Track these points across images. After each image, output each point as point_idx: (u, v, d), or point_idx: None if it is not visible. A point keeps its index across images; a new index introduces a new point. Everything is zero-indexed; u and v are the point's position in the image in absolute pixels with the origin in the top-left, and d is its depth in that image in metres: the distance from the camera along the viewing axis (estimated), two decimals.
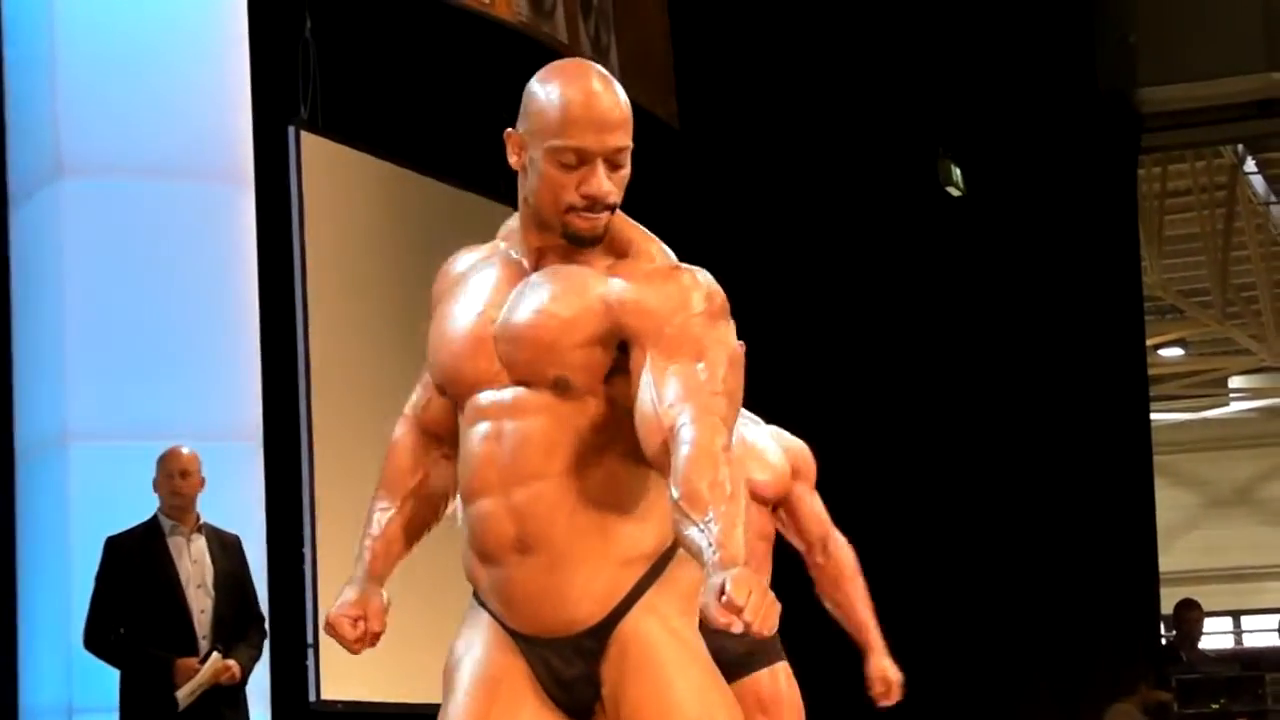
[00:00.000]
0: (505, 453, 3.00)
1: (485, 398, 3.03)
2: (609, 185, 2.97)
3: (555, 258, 3.05)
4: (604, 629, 3.00)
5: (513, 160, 3.05)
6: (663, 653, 2.98)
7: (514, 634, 3.05)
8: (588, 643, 3.01)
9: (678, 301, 2.97)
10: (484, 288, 3.09)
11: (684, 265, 3.06)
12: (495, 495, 3.00)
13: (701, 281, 3.03)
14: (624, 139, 2.98)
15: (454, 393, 3.09)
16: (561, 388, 2.98)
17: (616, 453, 2.99)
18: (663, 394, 2.87)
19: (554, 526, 2.97)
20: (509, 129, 3.06)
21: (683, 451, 2.79)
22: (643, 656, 2.98)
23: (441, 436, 3.20)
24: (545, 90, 3.00)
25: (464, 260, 3.19)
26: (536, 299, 3.02)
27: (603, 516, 2.99)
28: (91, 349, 7.55)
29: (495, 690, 3.03)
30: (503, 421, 3.01)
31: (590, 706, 3.03)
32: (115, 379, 7.52)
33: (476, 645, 3.07)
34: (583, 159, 2.96)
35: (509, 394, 3.02)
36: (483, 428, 3.03)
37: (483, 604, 3.09)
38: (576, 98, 2.97)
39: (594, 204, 2.97)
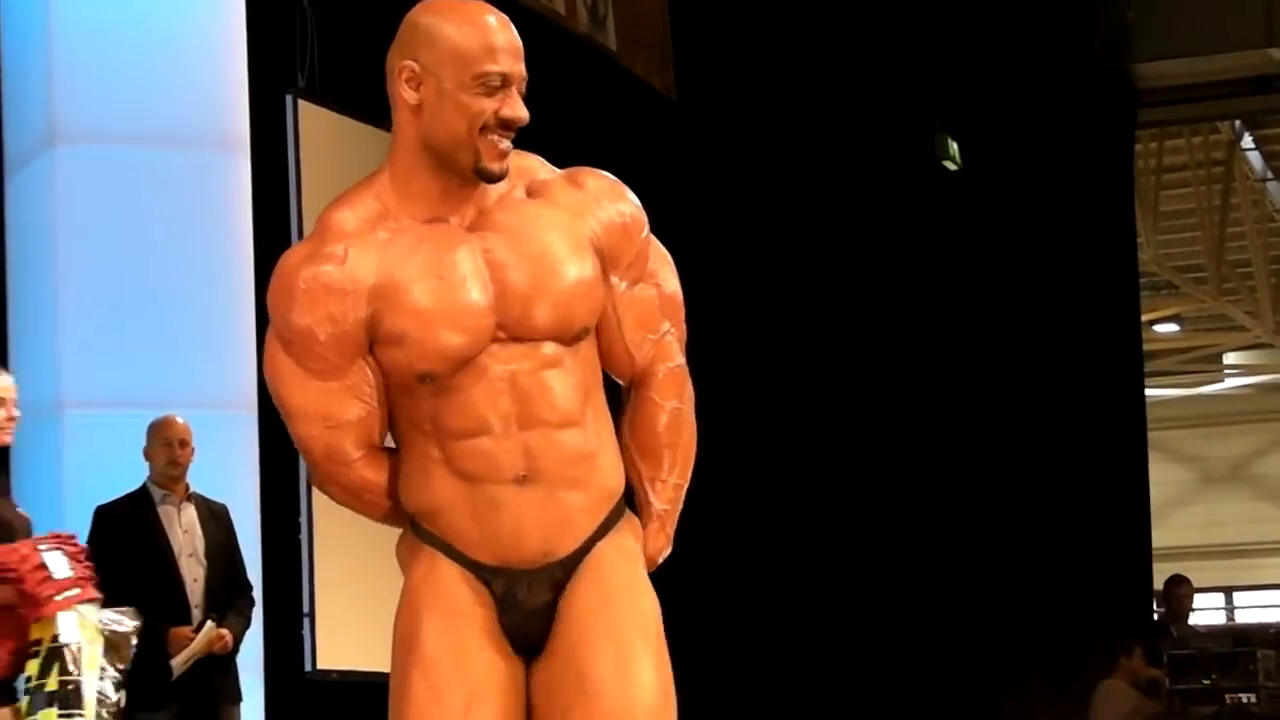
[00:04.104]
0: (524, 399, 3.02)
1: (490, 355, 3.01)
2: (525, 110, 3.03)
3: (467, 204, 3.05)
4: (575, 559, 3.06)
5: (408, 95, 3.03)
6: (613, 565, 3.09)
7: (477, 568, 3.04)
8: (558, 573, 3.06)
9: (630, 219, 3.12)
10: (425, 262, 3.01)
11: (581, 170, 3.16)
12: (506, 436, 3.01)
13: (625, 190, 3.16)
14: (524, 70, 3.06)
15: (447, 368, 3.00)
16: (583, 336, 3.07)
17: (600, 390, 3.14)
18: (627, 325, 3.13)
19: (561, 463, 3.03)
20: (402, 66, 3.03)
21: (657, 423, 3.17)
22: (596, 569, 3.08)
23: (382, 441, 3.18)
24: (453, 21, 3.01)
25: (337, 268, 3.02)
26: (535, 261, 3.02)
27: (593, 453, 3.08)
28: (85, 317, 7.53)
29: (464, 671, 3.02)
30: (517, 372, 3.02)
31: (543, 640, 3.07)
32: (109, 347, 7.50)
33: (437, 611, 3.04)
34: (505, 83, 3.00)
35: (524, 348, 3.02)
36: (492, 379, 3.01)
37: (433, 539, 3.06)
38: (494, 27, 3.02)
39: (511, 125, 3.01)
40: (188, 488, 6.99)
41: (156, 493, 6.96)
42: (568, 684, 3.00)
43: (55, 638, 5.47)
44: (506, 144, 3.01)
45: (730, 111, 11.70)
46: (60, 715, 5.42)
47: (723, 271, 11.64)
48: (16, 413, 6.03)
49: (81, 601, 5.55)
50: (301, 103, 8.54)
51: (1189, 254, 18.71)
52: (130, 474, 6.97)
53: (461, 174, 3.03)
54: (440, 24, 3.01)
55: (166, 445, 6.94)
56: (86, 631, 5.47)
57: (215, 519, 7.01)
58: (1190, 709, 10.57)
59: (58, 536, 5.87)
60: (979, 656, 12.67)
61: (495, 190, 3.05)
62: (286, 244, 8.42)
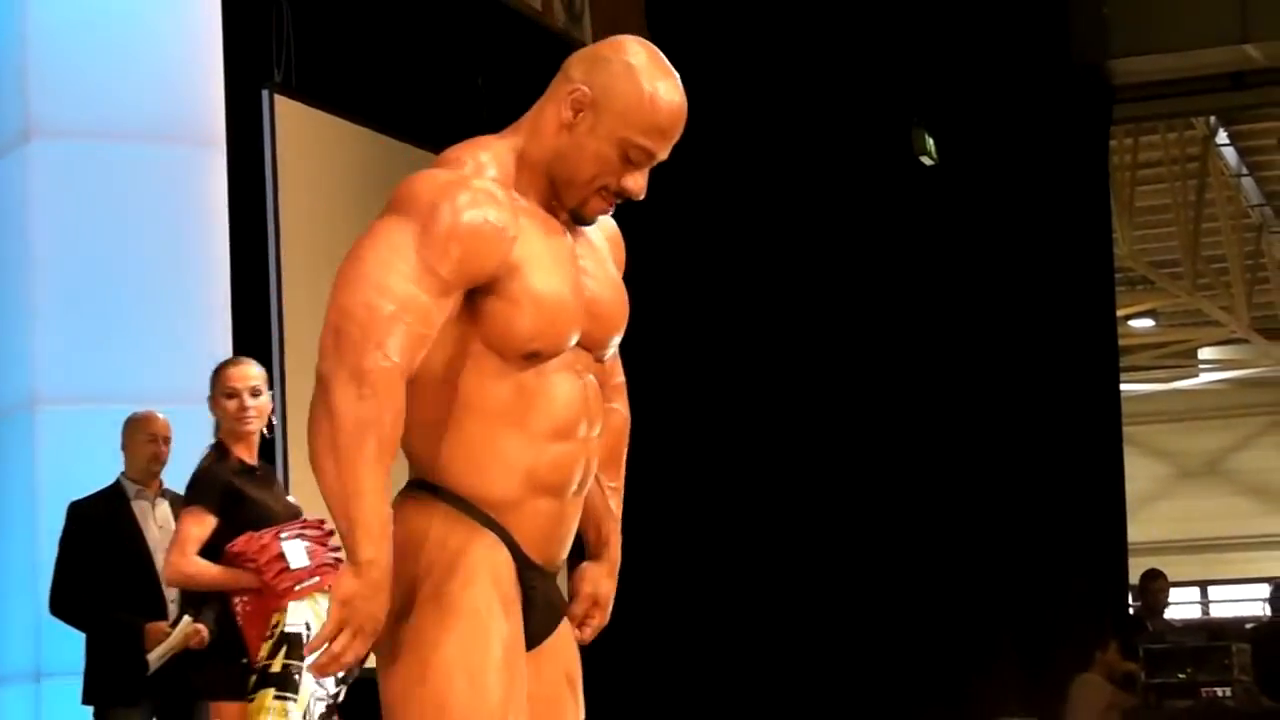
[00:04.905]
0: (590, 403, 3.11)
1: (570, 354, 3.10)
2: (644, 188, 3.10)
3: (557, 213, 3.13)
4: None
5: (565, 113, 3.05)
6: None
7: (527, 565, 3.08)
8: None
9: (620, 238, 3.29)
10: (548, 245, 3.06)
11: None
12: (577, 440, 3.08)
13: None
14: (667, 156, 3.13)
15: (548, 352, 3.04)
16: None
17: None
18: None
19: (593, 471, 3.15)
20: (576, 85, 3.04)
21: (614, 433, 3.31)
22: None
23: None
24: (647, 80, 3.04)
25: (473, 201, 3.00)
26: (607, 279, 3.16)
27: None
28: (60, 312, 7.52)
29: (516, 661, 3.05)
30: (585, 377, 3.11)
31: (545, 635, 3.17)
32: (84, 343, 7.49)
33: (503, 593, 3.04)
34: (646, 162, 3.07)
35: (585, 356, 3.13)
36: (570, 377, 3.08)
37: (497, 528, 3.06)
38: (673, 107, 3.06)
39: (624, 196, 3.09)
40: (161, 484, 6.99)
41: (130, 488, 6.94)
42: (559, 675, 3.17)
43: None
44: (610, 208, 3.11)
45: (705, 106, 11.67)
46: (276, 697, 5.48)
47: (698, 265, 11.65)
48: (251, 402, 6.03)
49: (320, 590, 5.59)
50: (278, 98, 8.52)
51: (1164, 249, 18.76)
52: (104, 470, 6.96)
53: (560, 203, 3.10)
54: (629, 75, 3.04)
55: (151, 441, 6.93)
56: (317, 622, 5.48)
57: None
58: (1166, 703, 10.61)
59: (305, 523, 5.90)
60: (955, 650, 12.68)
61: None
62: (263, 239, 8.43)
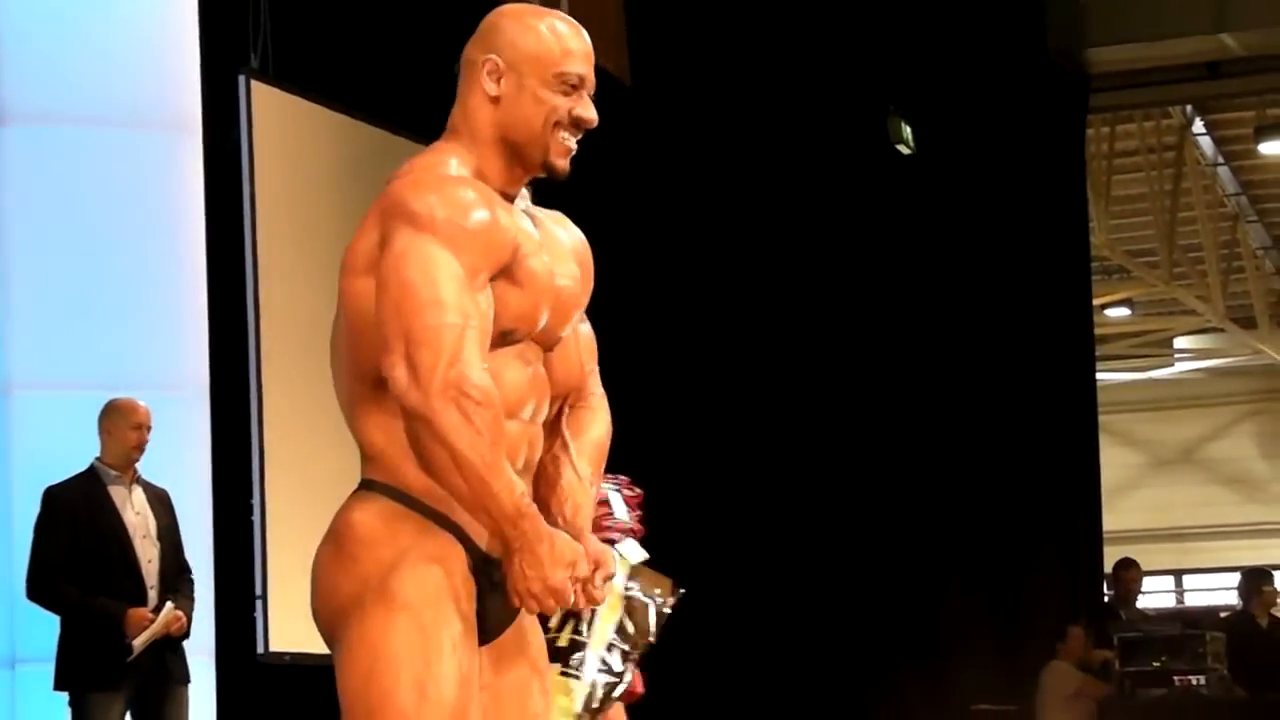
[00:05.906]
0: (538, 386, 3.17)
1: (523, 346, 3.16)
2: (595, 113, 3.18)
3: (513, 201, 3.18)
4: None
5: (489, 86, 3.16)
6: None
7: (481, 557, 3.09)
8: None
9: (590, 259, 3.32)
10: (517, 232, 3.13)
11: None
12: (522, 420, 3.13)
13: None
14: (594, 78, 3.22)
15: (522, 332, 3.12)
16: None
17: None
18: (584, 349, 3.29)
19: (538, 453, 3.20)
20: (484, 59, 3.15)
21: (598, 430, 3.32)
22: None
23: None
24: (535, 25, 3.17)
25: (478, 197, 3.08)
26: (567, 267, 3.21)
27: None
28: (34, 298, 7.50)
29: (466, 651, 3.05)
30: (536, 360, 3.17)
31: (504, 627, 3.17)
32: (58, 328, 7.47)
33: (444, 590, 3.04)
34: (580, 85, 3.17)
35: (532, 344, 3.17)
36: (522, 362, 3.14)
37: (446, 523, 3.07)
38: (571, 34, 3.20)
39: (581, 125, 3.17)
40: (136, 471, 6.99)
41: (107, 474, 6.94)
42: (523, 664, 3.18)
43: None
44: (572, 143, 3.18)
45: (684, 96, 11.70)
46: (561, 674, 5.30)
47: (676, 256, 11.64)
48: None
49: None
50: (254, 83, 8.50)
51: (1140, 238, 18.78)
52: (78, 455, 6.95)
53: (528, 168, 3.18)
54: (523, 26, 3.18)
55: (137, 429, 6.93)
56: (609, 597, 5.10)
57: (160, 502, 7.02)
58: (1140, 691, 10.64)
59: (616, 478, 5.67)
60: (931, 637, 12.71)
61: (521, 199, 3.21)
62: (239, 225, 8.40)
